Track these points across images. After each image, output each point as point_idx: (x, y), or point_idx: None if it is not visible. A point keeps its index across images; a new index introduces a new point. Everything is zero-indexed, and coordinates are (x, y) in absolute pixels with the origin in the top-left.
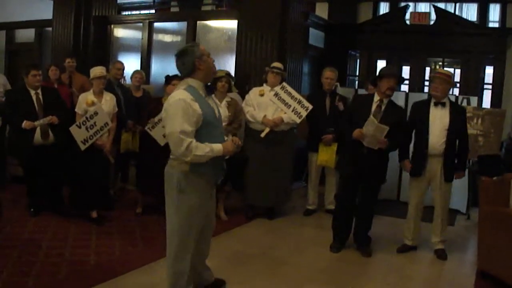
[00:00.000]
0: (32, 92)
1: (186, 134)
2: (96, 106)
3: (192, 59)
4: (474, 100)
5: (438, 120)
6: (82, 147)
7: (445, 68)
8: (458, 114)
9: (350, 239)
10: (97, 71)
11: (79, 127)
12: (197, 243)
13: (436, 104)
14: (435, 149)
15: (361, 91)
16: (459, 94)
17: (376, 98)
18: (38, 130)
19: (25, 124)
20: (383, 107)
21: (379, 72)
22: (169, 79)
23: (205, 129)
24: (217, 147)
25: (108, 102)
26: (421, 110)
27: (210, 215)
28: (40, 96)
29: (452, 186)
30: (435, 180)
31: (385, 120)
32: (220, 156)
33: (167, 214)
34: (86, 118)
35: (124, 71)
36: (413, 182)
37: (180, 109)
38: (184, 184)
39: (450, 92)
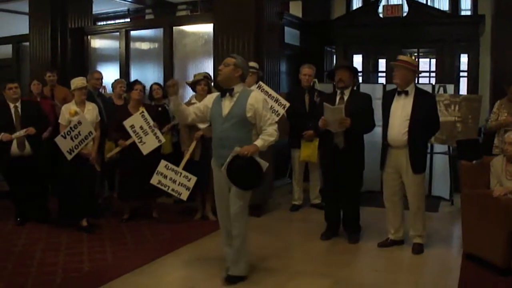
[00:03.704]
0: (11, 106)
1: None
2: (79, 116)
3: None
4: (450, 88)
5: (400, 110)
6: (69, 157)
7: (421, 58)
8: (423, 102)
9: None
10: (78, 82)
11: (64, 137)
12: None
13: (399, 93)
14: (396, 141)
15: None
16: (436, 82)
17: (338, 91)
18: (14, 142)
19: (2, 136)
20: (345, 98)
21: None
22: (131, 84)
23: None
24: None
25: (91, 111)
26: (387, 100)
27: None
28: (19, 109)
29: (425, 177)
30: (404, 173)
31: (348, 109)
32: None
33: None
34: (70, 128)
35: (103, 80)
36: (383, 174)
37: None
38: None
39: (427, 81)
